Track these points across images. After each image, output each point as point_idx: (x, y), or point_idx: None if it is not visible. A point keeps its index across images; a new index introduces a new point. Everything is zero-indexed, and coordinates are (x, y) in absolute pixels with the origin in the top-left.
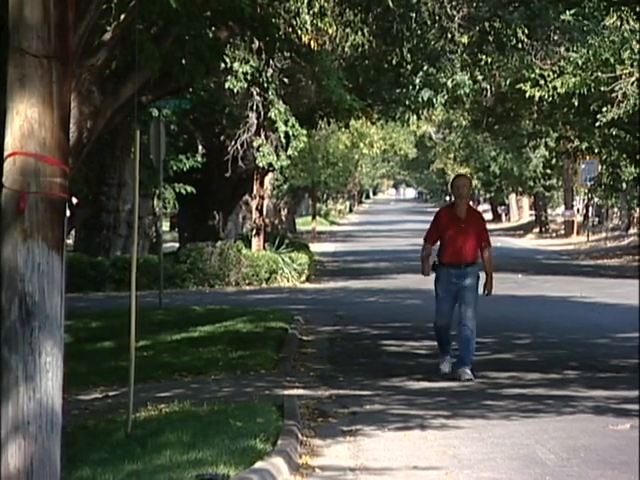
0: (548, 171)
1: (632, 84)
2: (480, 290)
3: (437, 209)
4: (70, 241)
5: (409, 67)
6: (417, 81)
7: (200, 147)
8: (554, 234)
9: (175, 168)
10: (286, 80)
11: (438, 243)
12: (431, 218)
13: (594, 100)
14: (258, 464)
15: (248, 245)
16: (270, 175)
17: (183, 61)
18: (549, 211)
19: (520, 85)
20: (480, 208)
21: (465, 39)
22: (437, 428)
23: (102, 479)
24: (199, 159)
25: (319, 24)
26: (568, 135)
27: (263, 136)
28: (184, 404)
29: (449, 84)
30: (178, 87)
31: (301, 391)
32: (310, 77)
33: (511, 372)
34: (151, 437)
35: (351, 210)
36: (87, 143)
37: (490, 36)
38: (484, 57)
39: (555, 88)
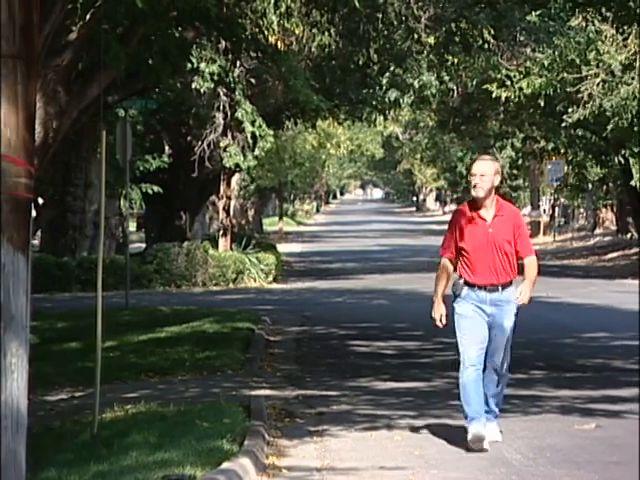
0: (514, 171)
1: (597, 85)
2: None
3: (403, 210)
4: (36, 241)
5: (376, 68)
6: (384, 82)
7: (167, 147)
8: None
9: (142, 168)
10: (253, 80)
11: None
12: (397, 219)
13: (560, 101)
14: (225, 465)
15: (215, 245)
16: (237, 175)
17: (150, 61)
18: None
19: (486, 86)
20: (447, 208)
21: (431, 40)
22: (404, 428)
23: None
24: (166, 159)
25: (286, 24)
26: (534, 136)
27: (230, 136)
28: (150, 405)
29: (416, 84)
30: (144, 87)
31: (268, 391)
32: (277, 77)
33: None
34: (117, 438)
35: (318, 210)
36: (53, 143)
37: (456, 37)
38: (450, 58)
39: (521, 89)
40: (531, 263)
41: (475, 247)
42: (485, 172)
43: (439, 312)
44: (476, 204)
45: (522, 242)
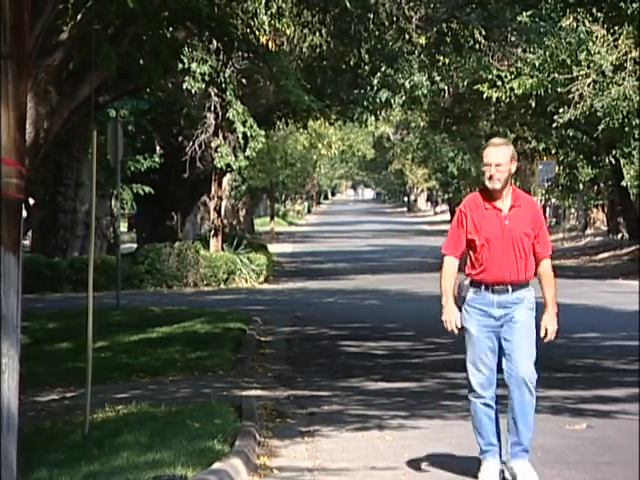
0: None
1: (588, 85)
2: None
3: (394, 210)
4: (27, 242)
5: (367, 68)
6: (375, 82)
7: (158, 148)
8: None
9: (133, 168)
10: (244, 81)
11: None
12: (388, 219)
13: (551, 101)
14: (216, 465)
15: (206, 246)
16: (228, 176)
17: (141, 61)
18: None
19: (477, 86)
20: (438, 209)
21: (423, 40)
22: (395, 428)
23: None
24: (157, 160)
25: (277, 25)
26: (525, 136)
27: (221, 137)
28: (142, 405)
29: (407, 85)
30: (136, 87)
31: (259, 392)
32: (268, 78)
33: None
34: (108, 438)
35: (309, 211)
36: (44, 143)
37: (448, 37)
38: (442, 58)
39: (512, 89)
40: (548, 272)
41: (488, 240)
42: (501, 161)
43: (452, 315)
44: (491, 195)
45: (541, 238)
